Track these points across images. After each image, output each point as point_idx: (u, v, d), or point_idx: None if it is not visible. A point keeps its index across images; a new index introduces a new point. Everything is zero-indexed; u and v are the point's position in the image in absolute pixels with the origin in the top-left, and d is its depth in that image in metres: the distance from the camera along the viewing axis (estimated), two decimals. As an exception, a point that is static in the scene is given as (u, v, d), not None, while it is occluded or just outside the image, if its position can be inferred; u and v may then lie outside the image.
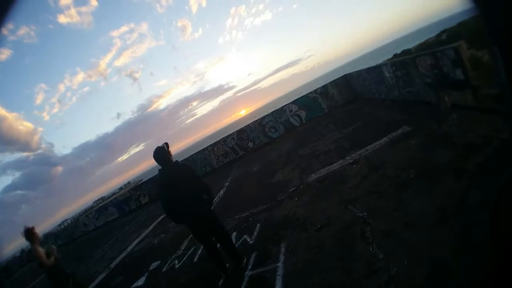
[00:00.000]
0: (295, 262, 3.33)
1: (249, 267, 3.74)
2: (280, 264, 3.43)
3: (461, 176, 3.19)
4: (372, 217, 3.35)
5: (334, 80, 12.27)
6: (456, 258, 2.22)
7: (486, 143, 3.53)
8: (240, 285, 3.45)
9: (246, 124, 13.42)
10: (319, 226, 3.82)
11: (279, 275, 3.25)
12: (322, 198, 4.61)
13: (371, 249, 2.84)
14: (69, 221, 25.38)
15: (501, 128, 3.68)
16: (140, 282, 5.30)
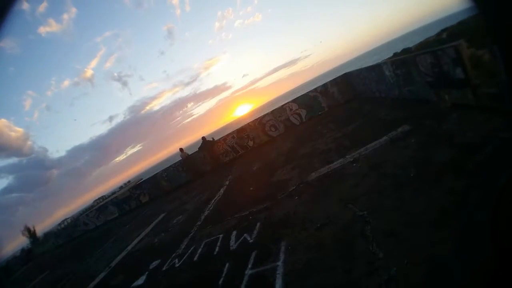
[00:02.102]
0: (295, 261, 3.33)
1: (249, 266, 3.75)
2: (280, 263, 3.44)
3: (461, 176, 3.19)
4: (372, 216, 3.35)
5: (334, 78, 12.27)
6: (456, 258, 2.22)
7: (486, 143, 3.53)
8: (240, 284, 3.45)
9: (246, 123, 13.42)
10: (319, 225, 3.83)
11: (279, 274, 3.25)
12: (322, 197, 4.61)
13: (371, 248, 2.84)
14: (69, 220, 25.40)
15: (501, 128, 3.68)
16: (140, 281, 5.31)
